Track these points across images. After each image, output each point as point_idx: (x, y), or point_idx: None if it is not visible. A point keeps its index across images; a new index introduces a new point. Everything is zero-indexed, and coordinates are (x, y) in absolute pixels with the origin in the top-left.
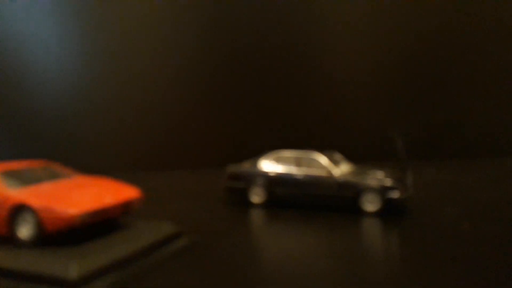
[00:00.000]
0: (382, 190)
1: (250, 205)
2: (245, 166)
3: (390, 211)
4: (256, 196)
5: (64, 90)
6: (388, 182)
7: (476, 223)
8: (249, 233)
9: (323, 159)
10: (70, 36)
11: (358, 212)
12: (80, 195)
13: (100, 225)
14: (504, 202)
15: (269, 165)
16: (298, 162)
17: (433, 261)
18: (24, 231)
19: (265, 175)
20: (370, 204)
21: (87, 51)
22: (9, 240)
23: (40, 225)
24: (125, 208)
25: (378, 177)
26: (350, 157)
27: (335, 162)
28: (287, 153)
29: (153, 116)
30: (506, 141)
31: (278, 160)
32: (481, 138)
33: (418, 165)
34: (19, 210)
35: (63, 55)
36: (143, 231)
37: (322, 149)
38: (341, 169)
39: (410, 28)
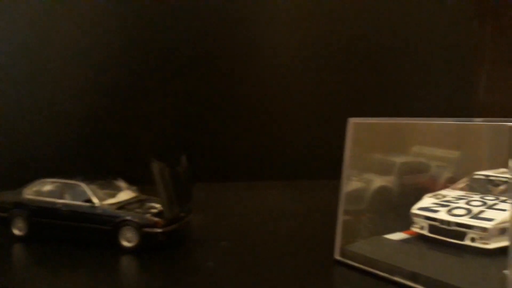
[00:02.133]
0: (140, 225)
1: (12, 237)
2: (8, 195)
3: (154, 246)
4: (17, 228)
5: None
6: (149, 216)
7: (241, 259)
8: None
9: (87, 188)
10: None
11: (117, 247)
12: None
13: None
14: (288, 234)
15: (32, 194)
16: (61, 191)
17: None
18: None
19: (26, 205)
20: (128, 239)
21: None
22: None
23: None
24: None
25: (139, 211)
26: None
27: (113, 190)
28: (52, 181)
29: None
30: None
31: (43, 189)
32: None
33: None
34: None
35: None
36: None
37: (107, 175)
38: (117, 199)
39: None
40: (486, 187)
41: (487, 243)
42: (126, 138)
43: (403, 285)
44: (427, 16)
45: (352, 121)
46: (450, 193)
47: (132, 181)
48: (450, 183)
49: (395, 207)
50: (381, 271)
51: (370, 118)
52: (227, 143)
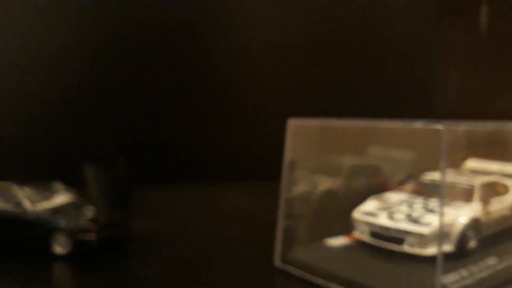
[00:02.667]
0: (73, 231)
1: None
2: None
3: (88, 253)
4: None
5: None
6: (83, 221)
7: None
8: None
9: (18, 191)
10: None
11: (49, 254)
12: None
13: None
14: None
15: None
16: None
17: None
18: None
19: None
20: (60, 246)
21: None
22: None
23: None
24: None
25: (74, 215)
26: None
27: (48, 193)
28: None
29: None
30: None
31: None
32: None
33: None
34: None
35: None
36: None
37: (43, 177)
38: (51, 203)
39: None
40: (432, 190)
41: (424, 249)
42: (66, 139)
43: None
44: (392, 13)
45: (292, 122)
46: (393, 197)
47: (72, 184)
48: (396, 185)
49: (340, 210)
50: (319, 277)
51: (309, 120)
52: (180, 143)
